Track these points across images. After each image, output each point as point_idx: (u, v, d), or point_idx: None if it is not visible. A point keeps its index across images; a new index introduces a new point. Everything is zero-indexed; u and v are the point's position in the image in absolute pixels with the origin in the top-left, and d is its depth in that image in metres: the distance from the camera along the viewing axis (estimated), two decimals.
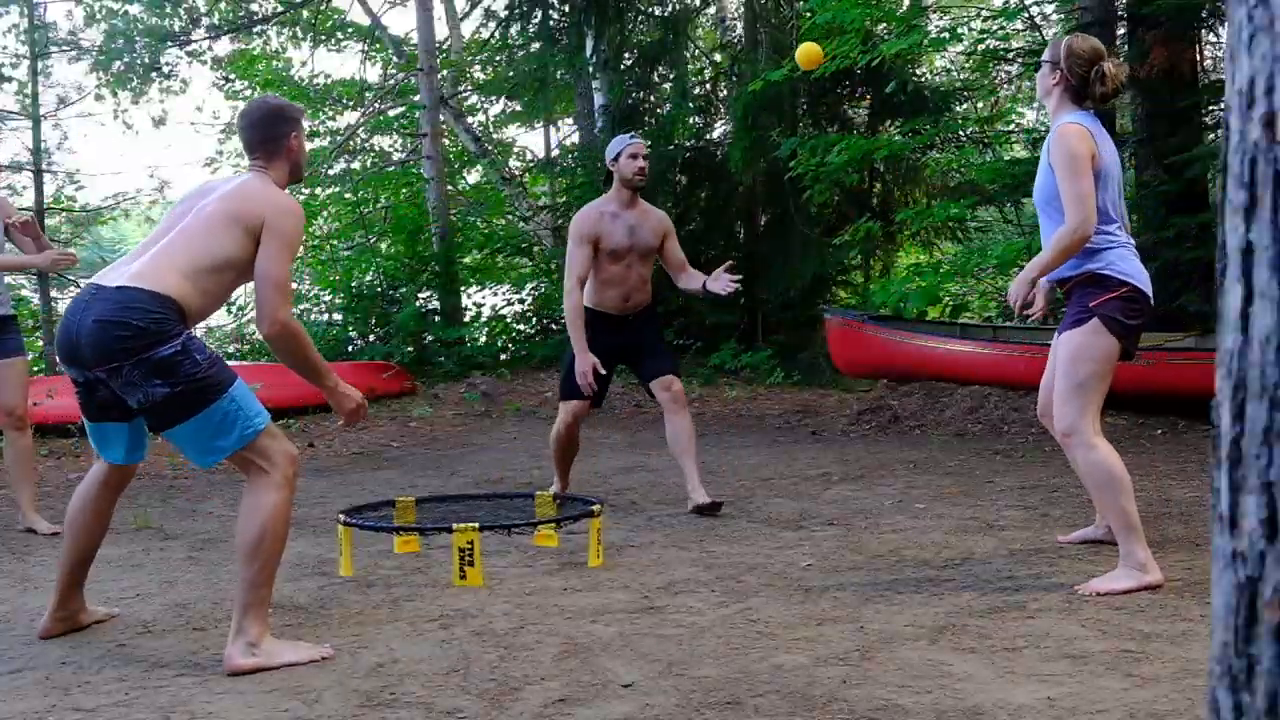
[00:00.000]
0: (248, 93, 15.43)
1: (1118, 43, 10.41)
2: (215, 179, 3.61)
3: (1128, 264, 3.72)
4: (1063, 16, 11.97)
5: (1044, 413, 4.03)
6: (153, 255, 3.22)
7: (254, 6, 15.39)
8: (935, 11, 12.00)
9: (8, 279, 5.35)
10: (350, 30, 15.51)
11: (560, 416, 5.43)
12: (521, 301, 12.98)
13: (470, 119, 16.16)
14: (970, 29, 11.11)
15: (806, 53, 5.74)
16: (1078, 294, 3.74)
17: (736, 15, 13.94)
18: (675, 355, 5.71)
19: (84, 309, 3.14)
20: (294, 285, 13.87)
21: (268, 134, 3.40)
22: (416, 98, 13.34)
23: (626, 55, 12.87)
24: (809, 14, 9.30)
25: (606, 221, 5.33)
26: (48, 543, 4.91)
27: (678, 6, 13.00)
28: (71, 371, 3.25)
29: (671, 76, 12.75)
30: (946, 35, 10.11)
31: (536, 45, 12.49)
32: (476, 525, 3.91)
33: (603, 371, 5.23)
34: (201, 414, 3.09)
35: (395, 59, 14.96)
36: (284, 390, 9.14)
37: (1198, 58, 9.95)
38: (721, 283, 5.33)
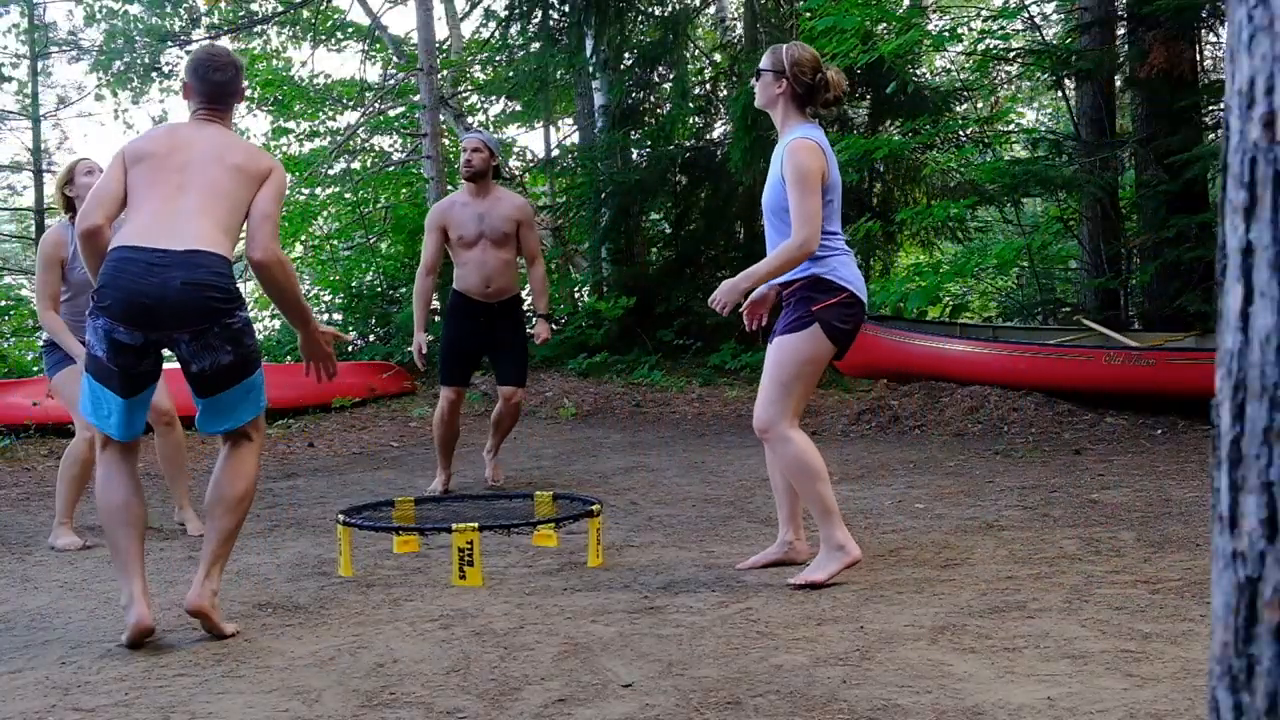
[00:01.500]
0: (248, 93, 15.43)
1: (1118, 43, 10.42)
2: (186, 130, 3.45)
3: (849, 270, 3.83)
4: (1063, 16, 11.98)
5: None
6: (192, 216, 3.24)
7: (254, 6, 15.39)
8: (935, 11, 12.01)
9: None
10: (350, 30, 15.51)
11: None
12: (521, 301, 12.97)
13: (470, 119, 16.15)
14: (970, 29, 11.11)
15: None
16: (800, 296, 3.83)
17: (736, 15, 13.94)
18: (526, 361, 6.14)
19: (160, 272, 3.14)
20: None
21: (235, 87, 3.50)
22: (416, 98, 13.34)
23: (626, 55, 12.87)
24: (808, 15, 9.30)
25: (456, 210, 5.84)
26: (48, 542, 4.91)
27: (678, 6, 13.00)
28: (132, 335, 3.20)
29: (671, 76, 12.75)
30: (946, 35, 10.11)
31: (536, 45, 12.49)
32: (476, 525, 3.91)
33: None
34: (245, 381, 3.29)
35: (395, 59, 14.96)
36: (284, 390, 9.15)
37: (1198, 58, 9.95)
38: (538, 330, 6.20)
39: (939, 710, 2.57)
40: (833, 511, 3.76)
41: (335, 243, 14.04)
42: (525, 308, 6.36)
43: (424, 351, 5.91)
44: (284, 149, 15.46)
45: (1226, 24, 1.17)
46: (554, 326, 6.20)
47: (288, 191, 14.56)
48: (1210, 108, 9.62)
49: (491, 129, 16.83)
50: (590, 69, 12.65)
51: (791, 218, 3.72)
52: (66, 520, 4.97)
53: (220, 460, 3.42)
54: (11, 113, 13.15)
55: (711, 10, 14.44)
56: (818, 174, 3.71)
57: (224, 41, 15.38)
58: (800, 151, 3.72)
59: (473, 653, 3.12)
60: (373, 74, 15.45)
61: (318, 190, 14.26)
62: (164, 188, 3.30)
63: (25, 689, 2.94)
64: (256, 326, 13.38)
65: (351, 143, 14.77)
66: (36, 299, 4.92)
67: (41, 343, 5.22)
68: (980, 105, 13.11)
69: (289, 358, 11.22)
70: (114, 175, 3.35)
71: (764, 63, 3.88)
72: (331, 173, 14.27)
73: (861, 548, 4.31)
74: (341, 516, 4.15)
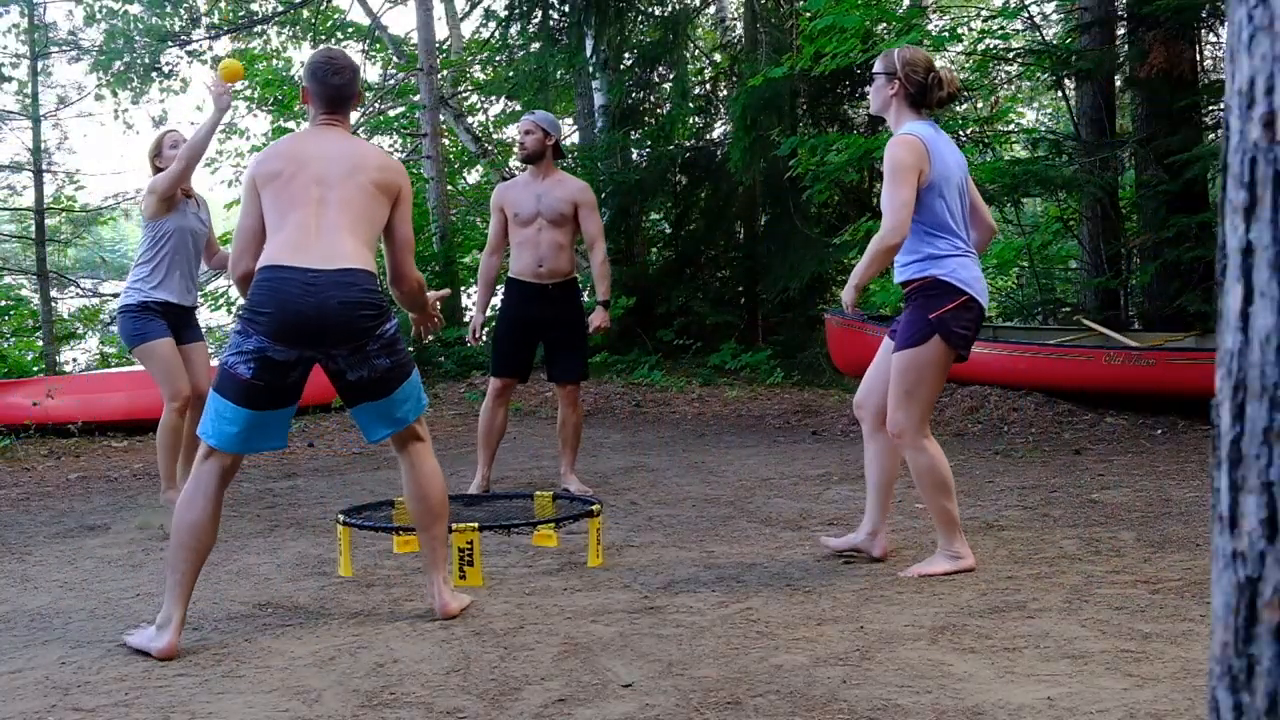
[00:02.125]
0: (248, 92, 15.43)
1: (1118, 43, 10.42)
2: (312, 140, 3.46)
3: (968, 272, 3.81)
4: (1063, 16, 11.97)
5: (860, 403, 4.11)
6: (337, 232, 3.28)
7: (254, 6, 15.39)
8: (935, 11, 12.01)
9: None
10: (350, 30, 15.50)
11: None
12: None
13: (470, 119, 16.16)
14: (970, 29, 11.11)
15: (227, 69, 5.29)
16: (919, 300, 3.83)
17: (736, 15, 13.94)
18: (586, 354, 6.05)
19: (315, 292, 3.19)
20: None
21: (353, 90, 3.51)
22: (416, 98, 13.34)
23: (626, 55, 12.87)
24: (808, 15, 9.30)
25: (516, 190, 5.78)
26: (48, 543, 4.92)
27: (678, 6, 12.99)
28: (289, 353, 3.22)
29: (671, 76, 12.75)
30: (946, 35, 10.11)
31: (536, 45, 12.48)
32: (476, 525, 3.91)
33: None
34: (406, 383, 3.40)
35: (395, 59, 14.95)
36: None
37: (1198, 58, 9.95)
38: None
39: (939, 710, 2.57)
40: (955, 524, 3.87)
41: None
42: (584, 296, 6.24)
43: (479, 334, 6.02)
44: None
45: (1226, 24, 1.17)
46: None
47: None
48: (1210, 108, 9.62)
49: (492, 129, 16.83)
50: (590, 69, 12.65)
51: (883, 209, 3.74)
52: (172, 486, 5.27)
53: (405, 474, 3.53)
54: (11, 113, 13.14)
55: (711, 10, 14.44)
56: (911, 168, 3.69)
57: (224, 41, 15.40)
58: (895, 145, 3.73)
59: (473, 653, 3.12)
60: (373, 74, 15.43)
61: None
62: (305, 204, 3.30)
63: (25, 689, 2.94)
64: None
65: None
66: (163, 180, 5.25)
67: (120, 309, 5.42)
68: (980, 105, 13.11)
69: None
70: (250, 210, 3.38)
71: (876, 66, 3.91)
72: None
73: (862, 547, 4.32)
74: (341, 516, 4.15)
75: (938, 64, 3.89)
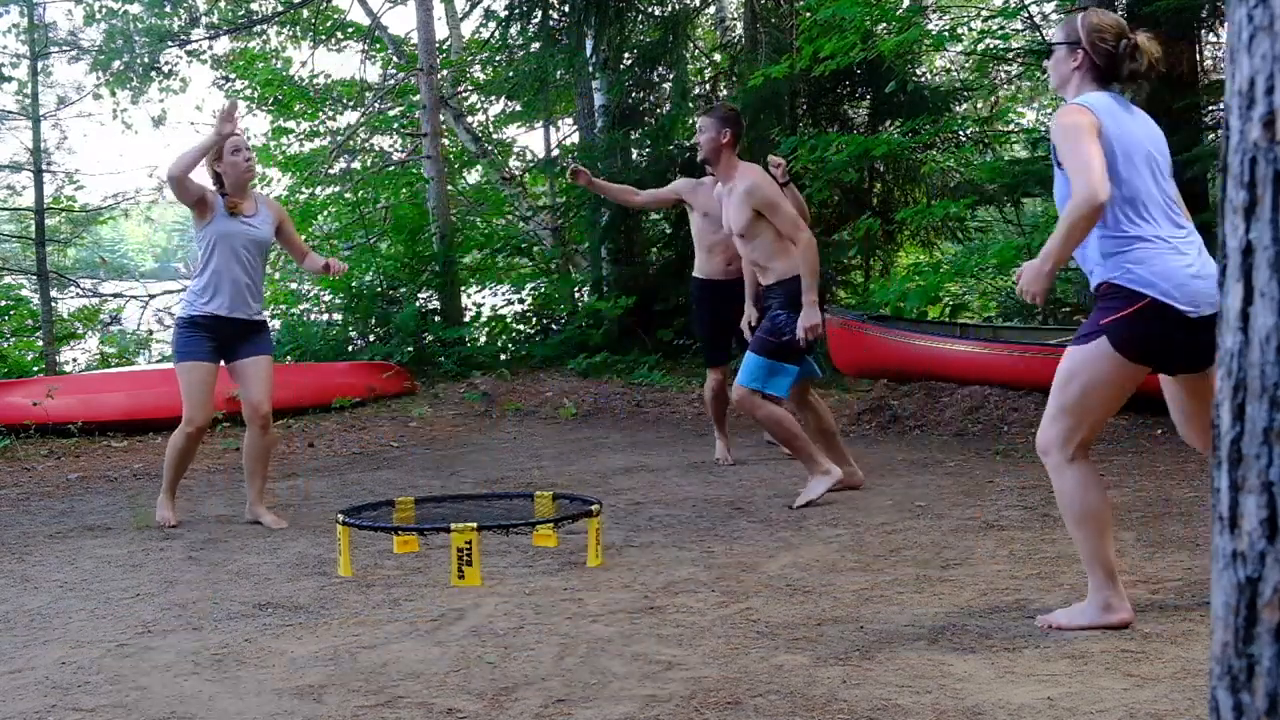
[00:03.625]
0: (248, 92, 15.43)
1: None
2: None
3: (1153, 267, 3.10)
4: (1062, 17, 11.96)
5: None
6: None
7: (254, 6, 15.38)
8: (935, 11, 12.00)
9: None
10: (350, 30, 15.50)
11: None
12: (521, 301, 12.97)
13: (470, 119, 16.16)
14: (970, 29, 11.10)
15: None
16: (1100, 303, 3.21)
17: (736, 15, 13.94)
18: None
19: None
20: (294, 285, 13.94)
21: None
22: (416, 98, 13.34)
23: (626, 55, 12.86)
24: (808, 13, 9.30)
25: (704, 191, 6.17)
26: (48, 543, 4.92)
27: (678, 6, 12.99)
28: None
29: (671, 76, 12.74)
30: (946, 35, 10.10)
31: (536, 45, 12.48)
32: (474, 525, 3.91)
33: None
34: None
35: (395, 59, 14.95)
36: (283, 390, 9.14)
37: (1198, 58, 9.95)
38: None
39: (939, 710, 2.57)
40: (1107, 568, 3.16)
41: (335, 243, 14.03)
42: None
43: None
44: (284, 149, 15.46)
45: (1226, 24, 1.17)
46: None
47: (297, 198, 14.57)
48: (1210, 108, 9.61)
49: (492, 129, 16.83)
50: (590, 69, 12.64)
51: (1070, 180, 3.08)
52: (170, 500, 5.27)
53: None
54: (11, 113, 13.13)
55: (711, 10, 14.44)
56: (1087, 125, 3.10)
57: (223, 41, 15.40)
58: (1060, 116, 3.18)
59: (473, 653, 3.12)
60: (373, 74, 15.43)
61: (318, 190, 14.24)
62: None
63: (25, 689, 2.94)
64: None
65: (351, 143, 14.77)
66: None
67: (177, 320, 5.29)
68: (980, 105, 13.11)
69: (289, 358, 11.22)
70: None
71: (1056, 35, 3.35)
72: (331, 173, 14.26)
73: (862, 547, 4.32)
74: (341, 516, 4.15)
75: (1137, 32, 3.25)
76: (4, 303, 11.95)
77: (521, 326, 12.92)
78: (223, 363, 5.26)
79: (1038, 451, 3.27)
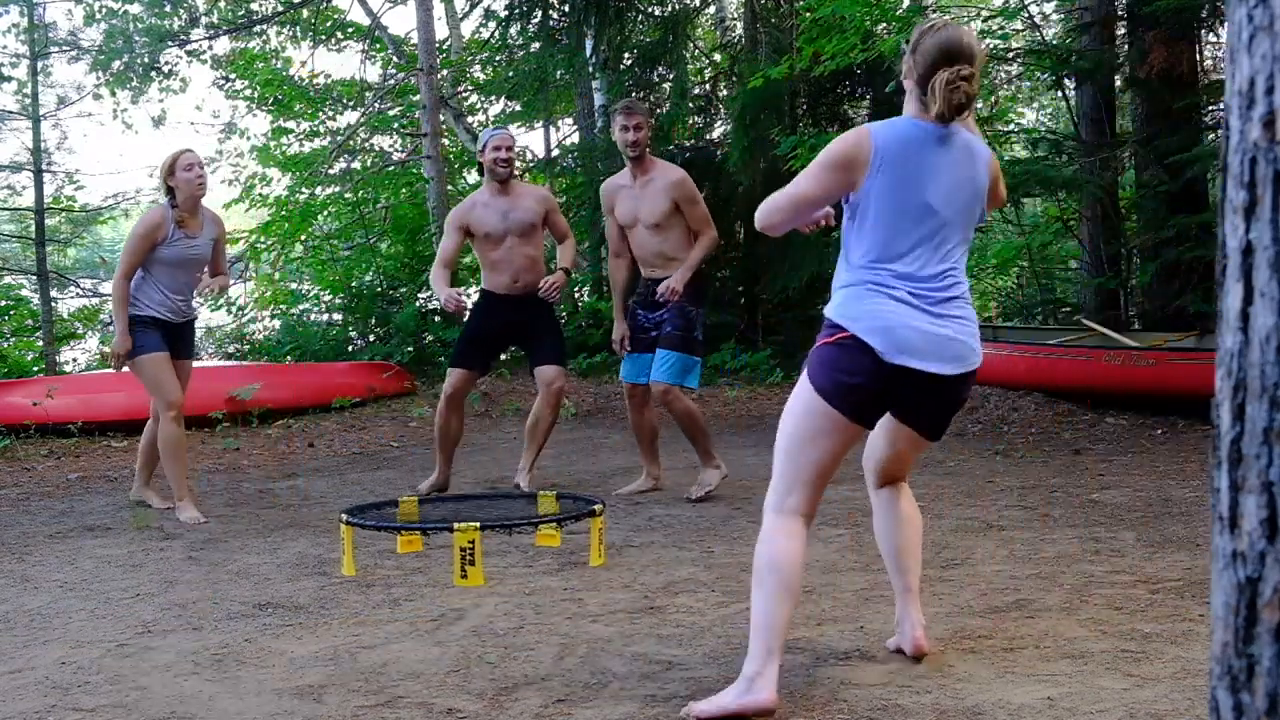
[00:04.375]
0: (248, 92, 15.43)
1: (1118, 43, 10.42)
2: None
3: (857, 306, 2.73)
4: (1063, 16, 11.97)
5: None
6: None
7: (254, 6, 15.38)
8: (935, 11, 11.99)
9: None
10: (350, 30, 15.50)
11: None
12: None
13: (470, 119, 16.15)
14: (970, 29, 11.09)
15: None
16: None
17: (736, 15, 13.94)
18: (563, 343, 6.05)
19: None
20: (293, 285, 13.93)
21: None
22: (416, 98, 13.34)
23: (626, 55, 12.86)
24: (808, 13, 9.30)
25: (479, 210, 5.77)
26: (48, 543, 4.92)
27: (678, 6, 12.99)
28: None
29: (671, 76, 12.74)
30: None
31: (536, 45, 12.48)
32: (478, 525, 3.91)
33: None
34: None
35: (395, 59, 14.95)
36: (283, 391, 9.15)
37: (1198, 58, 9.94)
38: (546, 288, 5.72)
39: (939, 710, 2.57)
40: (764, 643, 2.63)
41: (335, 243, 14.03)
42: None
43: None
44: (284, 149, 15.45)
45: (1226, 24, 1.17)
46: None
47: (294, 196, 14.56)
48: (1210, 108, 9.61)
49: (491, 129, 16.82)
50: (590, 69, 12.65)
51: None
52: (185, 496, 5.39)
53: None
54: (11, 113, 13.14)
55: (711, 10, 14.44)
56: (829, 163, 2.77)
57: (223, 41, 15.39)
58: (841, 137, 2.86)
59: (473, 653, 3.12)
60: (373, 74, 15.43)
61: (318, 190, 14.24)
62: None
63: (25, 689, 2.94)
64: (256, 327, 13.43)
65: (351, 143, 14.76)
66: (119, 266, 5.39)
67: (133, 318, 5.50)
68: (980, 105, 13.10)
69: (289, 358, 11.22)
70: None
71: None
72: (331, 173, 14.26)
73: (862, 547, 4.32)
74: (344, 516, 4.16)
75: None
76: (4, 303, 11.95)
77: None
78: None
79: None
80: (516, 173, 5.89)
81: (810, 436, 2.79)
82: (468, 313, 6.43)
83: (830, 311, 2.81)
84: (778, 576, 2.72)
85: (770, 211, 2.86)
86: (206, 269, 5.55)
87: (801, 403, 2.80)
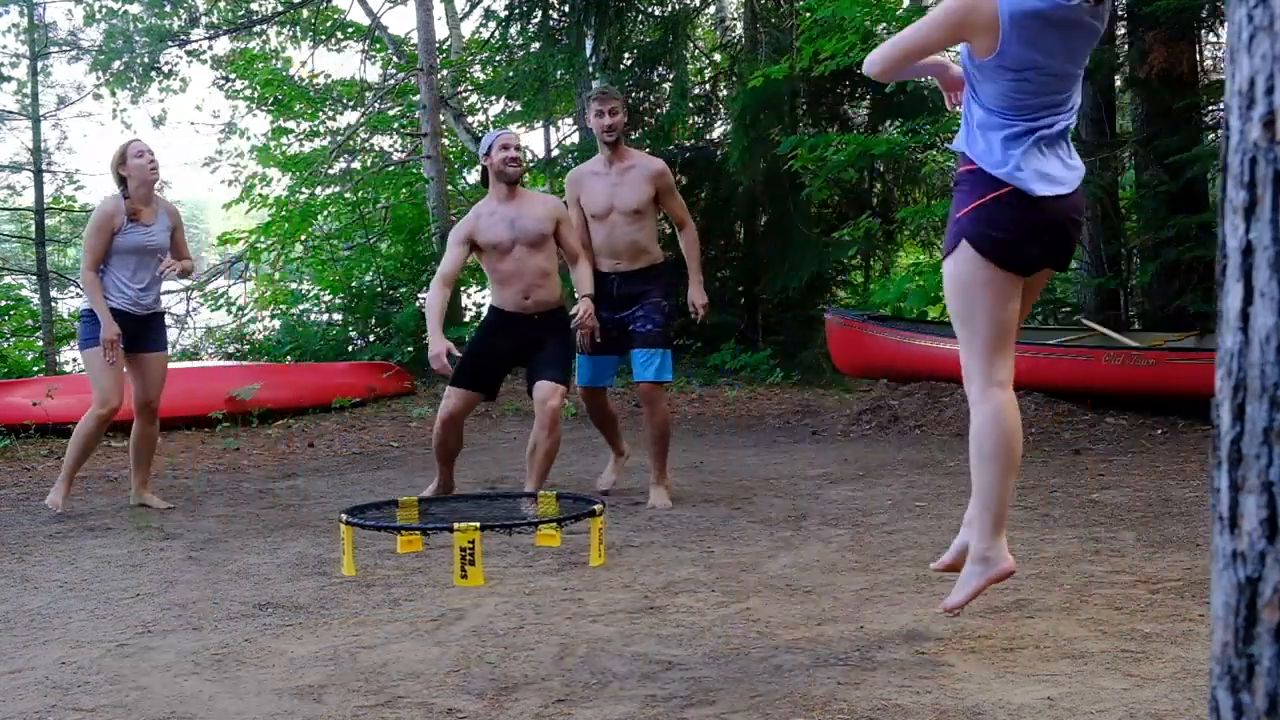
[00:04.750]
0: (248, 92, 15.42)
1: (1118, 43, 10.42)
2: None
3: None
4: None
5: None
6: None
7: (254, 6, 15.38)
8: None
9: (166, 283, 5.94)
10: (350, 30, 15.50)
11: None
12: None
13: (470, 119, 16.15)
14: None
15: None
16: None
17: (736, 15, 13.94)
18: (568, 363, 5.52)
19: None
20: (293, 285, 13.93)
21: None
22: (416, 98, 13.34)
23: (626, 55, 12.86)
24: (808, 13, 9.30)
25: (484, 221, 5.32)
26: (48, 543, 4.92)
27: (678, 6, 12.99)
28: None
29: (671, 76, 12.75)
30: None
31: (536, 45, 12.48)
32: (478, 525, 3.91)
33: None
34: None
35: (395, 59, 14.95)
36: (283, 391, 9.15)
37: (1198, 58, 9.95)
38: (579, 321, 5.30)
39: (939, 710, 2.57)
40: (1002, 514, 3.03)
41: (335, 243, 14.04)
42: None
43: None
44: (284, 149, 15.45)
45: (1226, 24, 1.17)
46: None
47: (286, 192, 14.56)
48: (1210, 108, 9.62)
49: (492, 129, 16.80)
50: (590, 69, 12.65)
51: None
52: (67, 487, 5.56)
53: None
54: (11, 113, 13.14)
55: (711, 10, 14.44)
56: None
57: (223, 41, 15.39)
58: None
59: (473, 653, 3.12)
60: (373, 74, 15.43)
61: (318, 190, 14.24)
62: None
63: (25, 689, 2.94)
64: (256, 327, 13.43)
65: (351, 143, 14.76)
66: (83, 260, 5.49)
67: (82, 312, 5.63)
68: None
69: (289, 358, 11.22)
70: None
71: None
72: (331, 173, 14.26)
73: (862, 547, 4.32)
74: (344, 516, 4.15)
75: None
76: (4, 303, 11.96)
77: None
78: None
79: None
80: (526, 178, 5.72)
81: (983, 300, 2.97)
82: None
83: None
84: (1007, 452, 2.96)
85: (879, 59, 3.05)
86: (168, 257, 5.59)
87: (964, 267, 2.97)
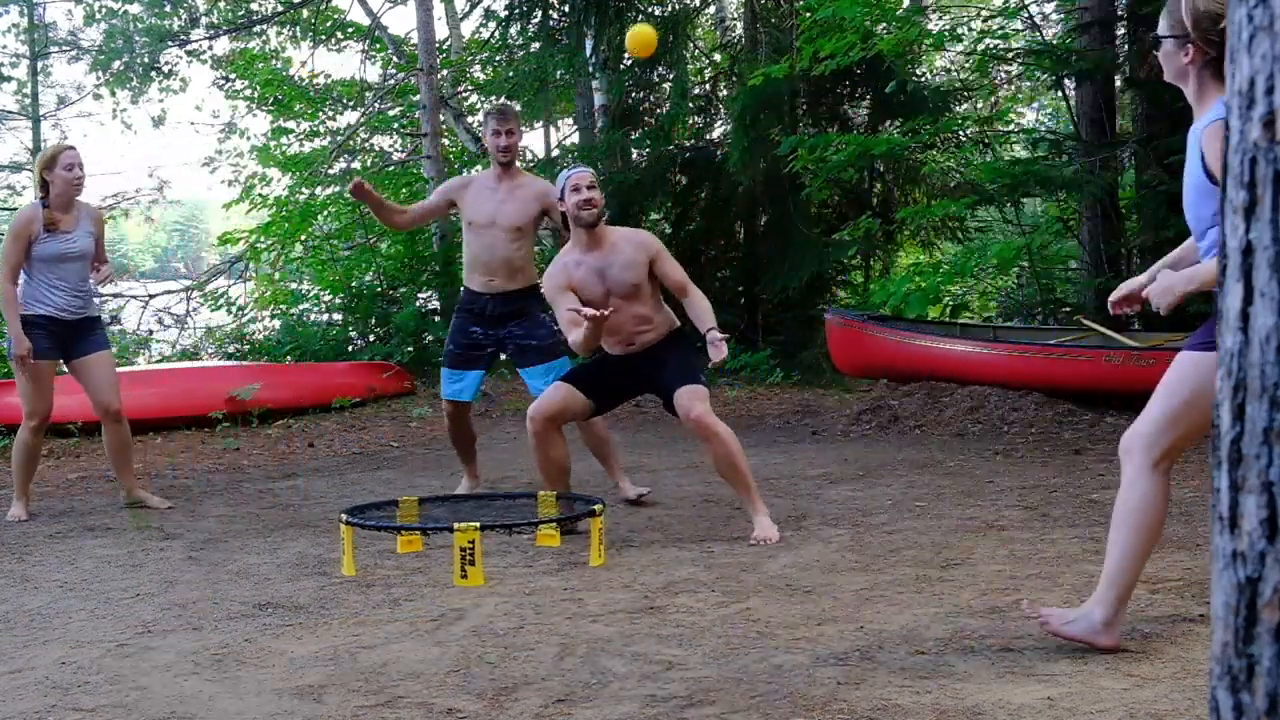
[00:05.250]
0: (248, 92, 15.42)
1: (1118, 43, 10.43)
2: None
3: None
4: (1063, 16, 11.97)
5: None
6: None
7: (254, 6, 15.39)
8: (935, 11, 12.00)
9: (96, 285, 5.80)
10: (350, 30, 15.50)
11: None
12: None
13: (470, 119, 16.15)
14: (970, 29, 11.11)
15: (638, 38, 5.01)
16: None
17: (736, 15, 13.94)
18: (699, 372, 4.85)
19: None
20: (293, 285, 13.92)
21: None
22: (416, 98, 13.34)
23: (626, 55, 12.86)
24: (808, 12, 9.30)
25: (573, 271, 4.73)
26: (48, 543, 4.92)
27: (678, 6, 12.99)
28: None
29: (671, 76, 12.75)
30: (946, 35, 10.11)
31: (536, 45, 12.48)
32: (478, 525, 3.91)
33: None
34: None
35: (395, 59, 14.95)
36: (283, 391, 9.15)
37: None
38: (713, 350, 4.56)
39: (939, 710, 2.57)
40: (1129, 588, 2.97)
41: (335, 243, 14.03)
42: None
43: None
44: (284, 149, 15.45)
45: (1226, 24, 1.17)
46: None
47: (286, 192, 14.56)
48: None
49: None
50: (590, 69, 12.65)
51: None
52: (23, 499, 5.50)
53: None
54: (11, 113, 13.15)
55: (711, 10, 14.44)
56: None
57: (223, 41, 15.39)
58: (1213, 132, 2.93)
59: (473, 653, 3.12)
60: (373, 74, 15.44)
61: (318, 190, 14.24)
62: None
63: (25, 689, 2.94)
64: (256, 327, 13.42)
65: (351, 143, 14.76)
66: (2, 271, 5.31)
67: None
68: (980, 105, 13.11)
69: (289, 358, 11.22)
70: None
71: (1162, 27, 3.06)
72: (331, 173, 14.26)
73: (862, 547, 4.32)
74: (344, 516, 4.16)
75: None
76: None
77: None
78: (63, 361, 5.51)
79: (1121, 451, 3.03)
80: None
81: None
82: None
83: None
84: (1159, 531, 3.00)
85: None
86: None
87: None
